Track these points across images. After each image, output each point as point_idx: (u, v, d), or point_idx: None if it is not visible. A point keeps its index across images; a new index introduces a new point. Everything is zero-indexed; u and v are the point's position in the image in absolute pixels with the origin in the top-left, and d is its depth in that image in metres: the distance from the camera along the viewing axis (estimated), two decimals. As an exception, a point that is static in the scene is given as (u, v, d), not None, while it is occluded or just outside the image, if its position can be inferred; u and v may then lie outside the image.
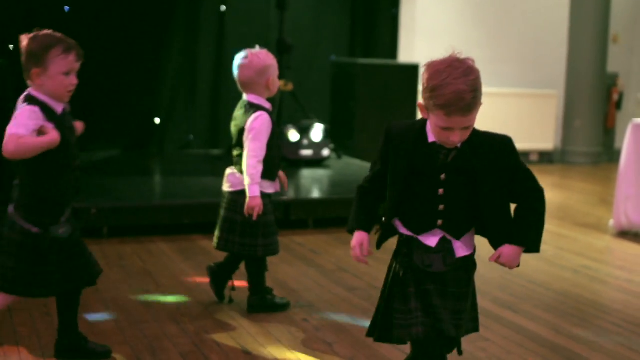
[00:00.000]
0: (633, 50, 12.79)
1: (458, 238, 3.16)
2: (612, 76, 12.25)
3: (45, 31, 3.66)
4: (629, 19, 12.59)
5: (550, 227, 7.09)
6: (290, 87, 9.08)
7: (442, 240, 3.16)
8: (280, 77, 9.09)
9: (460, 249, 3.17)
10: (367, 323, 4.72)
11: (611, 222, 7.52)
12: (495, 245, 3.19)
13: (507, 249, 3.15)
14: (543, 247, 3.32)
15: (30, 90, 3.63)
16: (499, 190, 3.09)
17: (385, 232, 3.30)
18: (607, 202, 8.77)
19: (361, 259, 3.29)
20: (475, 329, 3.33)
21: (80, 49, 3.66)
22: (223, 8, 9.92)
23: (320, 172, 8.46)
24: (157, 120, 9.70)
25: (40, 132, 3.52)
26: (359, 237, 3.28)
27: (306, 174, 8.36)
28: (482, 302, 5.15)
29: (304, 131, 8.73)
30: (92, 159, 8.64)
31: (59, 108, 3.64)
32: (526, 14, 11.50)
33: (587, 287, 5.72)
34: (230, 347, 4.25)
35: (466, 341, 4.48)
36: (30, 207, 3.64)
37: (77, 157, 3.75)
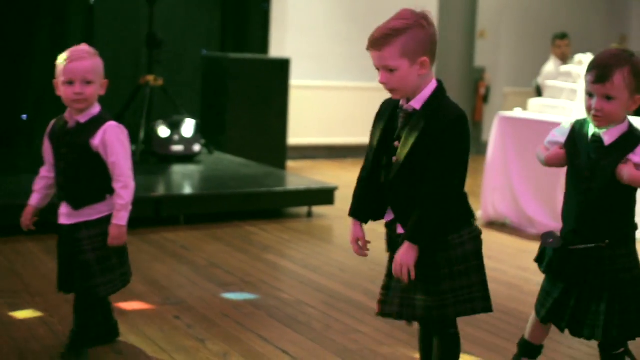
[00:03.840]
0: (499, 45, 13.11)
1: (400, 211, 3.13)
2: (479, 70, 12.52)
3: None
4: (495, 15, 12.89)
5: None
6: (160, 82, 8.98)
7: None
8: (151, 71, 9.00)
9: (399, 226, 3.14)
10: (239, 318, 4.71)
11: (479, 213, 7.68)
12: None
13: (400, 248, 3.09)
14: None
15: None
16: (419, 163, 3.03)
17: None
18: (475, 194, 8.94)
19: (362, 253, 3.26)
20: (470, 310, 3.23)
21: None
22: (92, 1, 9.72)
23: (191, 168, 8.39)
24: (24, 117, 9.45)
25: None
26: (354, 231, 3.24)
27: (177, 169, 8.28)
28: (354, 294, 5.22)
29: (175, 126, 8.63)
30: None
31: None
32: (395, 9, 11.59)
33: (456, 277, 5.82)
34: (100, 347, 4.17)
35: (338, 333, 4.52)
36: None
37: None
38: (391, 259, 3.17)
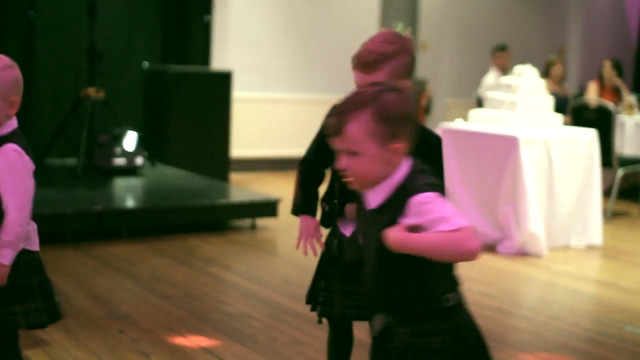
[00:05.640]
0: (440, 57, 13.22)
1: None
2: (421, 82, 12.62)
3: None
4: (436, 27, 13.00)
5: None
6: (102, 94, 8.91)
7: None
8: (92, 84, 8.92)
9: (347, 230, 3.20)
10: (183, 332, 4.70)
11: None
12: None
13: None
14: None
15: None
16: None
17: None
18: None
19: (315, 250, 3.30)
20: None
21: None
22: (31, 14, 9.63)
23: (134, 181, 8.33)
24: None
25: None
26: (307, 225, 3.28)
27: (119, 182, 8.22)
28: (298, 306, 5.23)
29: (117, 139, 8.57)
30: None
31: None
32: (336, 21, 11.70)
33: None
34: (42, 363, 4.14)
35: (284, 345, 4.52)
36: None
37: None
38: (335, 263, 3.25)
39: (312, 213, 3.28)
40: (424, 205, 2.35)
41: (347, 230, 3.23)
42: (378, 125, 2.39)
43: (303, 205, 3.27)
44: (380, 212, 2.47)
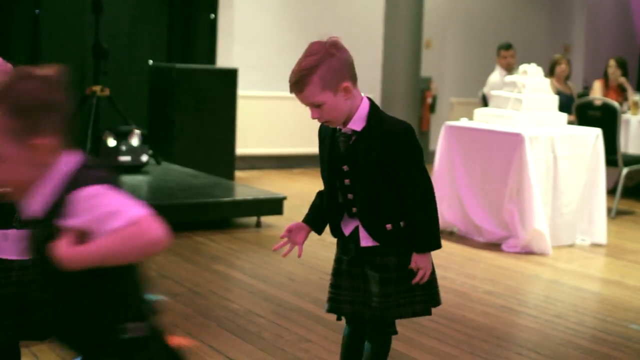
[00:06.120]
0: (445, 55, 13.21)
1: (368, 227, 3.20)
2: (426, 80, 12.60)
3: None
4: (441, 26, 13.00)
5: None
6: (107, 92, 8.93)
7: (356, 229, 3.23)
8: (97, 82, 8.94)
9: (365, 239, 3.21)
10: (189, 329, 4.71)
11: (427, 222, 7.73)
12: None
13: (416, 258, 3.24)
14: (361, 247, 3.38)
15: None
16: (382, 179, 3.15)
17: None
18: (423, 203, 9.04)
19: (287, 248, 3.34)
20: (421, 311, 3.38)
21: None
22: (37, 11, 9.65)
23: (139, 178, 8.35)
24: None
25: None
26: (297, 225, 3.32)
27: (125, 180, 8.21)
28: (303, 303, 5.24)
29: (122, 137, 8.59)
30: None
31: None
32: (342, 20, 11.70)
33: (405, 285, 5.86)
34: (49, 359, 4.13)
35: (289, 343, 4.53)
36: None
37: None
38: (342, 262, 3.28)
39: (310, 223, 3.33)
40: (91, 200, 2.01)
41: (347, 229, 3.26)
42: (12, 121, 2.01)
43: (306, 216, 3.35)
44: (41, 222, 2.08)
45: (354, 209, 3.21)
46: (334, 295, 3.31)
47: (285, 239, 3.34)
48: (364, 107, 3.14)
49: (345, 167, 3.17)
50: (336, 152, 3.19)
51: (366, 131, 3.13)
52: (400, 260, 3.23)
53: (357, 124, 3.13)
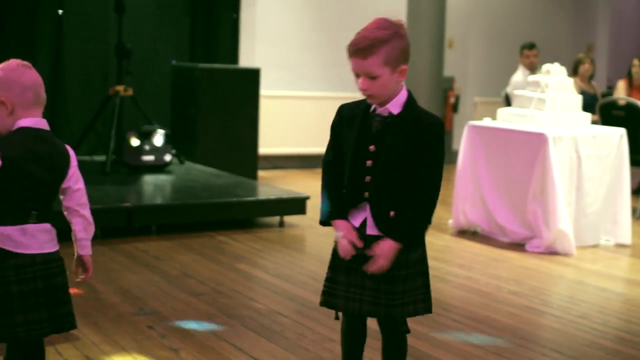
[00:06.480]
0: (467, 55, 13.18)
1: (375, 213, 3.18)
2: (449, 80, 12.58)
3: None
4: (463, 25, 12.97)
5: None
6: (130, 92, 8.96)
7: (364, 221, 3.21)
8: (120, 82, 8.97)
9: (371, 227, 3.19)
10: (212, 328, 4.72)
11: (450, 222, 7.72)
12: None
13: (386, 244, 3.15)
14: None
15: None
16: (402, 166, 3.15)
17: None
18: (446, 203, 8.99)
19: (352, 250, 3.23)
20: (423, 310, 3.37)
21: None
22: (60, 11, 9.69)
23: (162, 178, 8.38)
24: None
25: None
26: (346, 226, 3.23)
27: (148, 179, 8.26)
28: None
29: (145, 136, 8.62)
30: None
31: None
32: (364, 19, 11.63)
33: (428, 285, 5.85)
34: (74, 356, 4.16)
35: (312, 342, 4.53)
36: None
37: None
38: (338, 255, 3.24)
39: (345, 217, 3.25)
40: None
41: (356, 221, 3.23)
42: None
43: (333, 212, 3.27)
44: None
45: (366, 194, 3.19)
46: (329, 289, 3.29)
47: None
48: (403, 94, 3.20)
49: (372, 147, 3.17)
50: (366, 131, 3.20)
51: (403, 116, 3.17)
52: (409, 258, 3.22)
53: (395, 107, 3.18)
